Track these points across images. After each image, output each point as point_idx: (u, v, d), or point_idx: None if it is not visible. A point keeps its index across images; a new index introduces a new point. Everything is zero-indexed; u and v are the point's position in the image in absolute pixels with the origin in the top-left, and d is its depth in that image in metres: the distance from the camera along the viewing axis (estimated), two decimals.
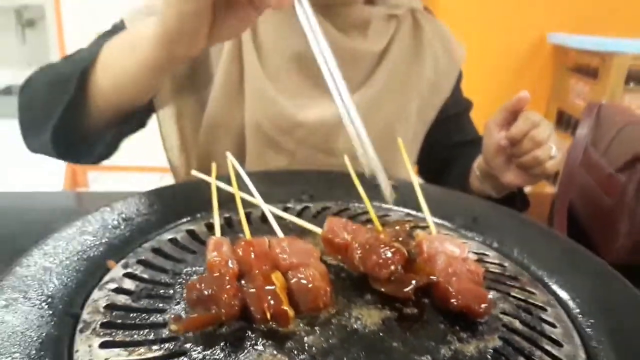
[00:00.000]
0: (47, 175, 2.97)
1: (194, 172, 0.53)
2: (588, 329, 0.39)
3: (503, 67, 2.60)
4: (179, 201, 0.54)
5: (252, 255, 0.38)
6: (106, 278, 0.41)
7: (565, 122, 2.57)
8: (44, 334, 0.34)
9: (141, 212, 0.50)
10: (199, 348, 0.33)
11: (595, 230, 0.85)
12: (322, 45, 0.50)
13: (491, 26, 2.48)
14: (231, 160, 0.54)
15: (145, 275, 0.41)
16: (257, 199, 0.48)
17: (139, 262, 0.43)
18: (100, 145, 0.70)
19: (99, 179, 3.08)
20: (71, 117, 0.62)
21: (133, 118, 0.68)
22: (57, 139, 0.63)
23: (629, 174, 0.78)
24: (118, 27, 0.78)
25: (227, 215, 0.50)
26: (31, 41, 4.38)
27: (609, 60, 2.31)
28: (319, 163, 0.78)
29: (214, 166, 0.55)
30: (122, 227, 0.47)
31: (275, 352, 0.32)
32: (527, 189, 0.89)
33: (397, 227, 0.44)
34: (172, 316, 0.35)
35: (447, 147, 0.96)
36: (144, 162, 2.54)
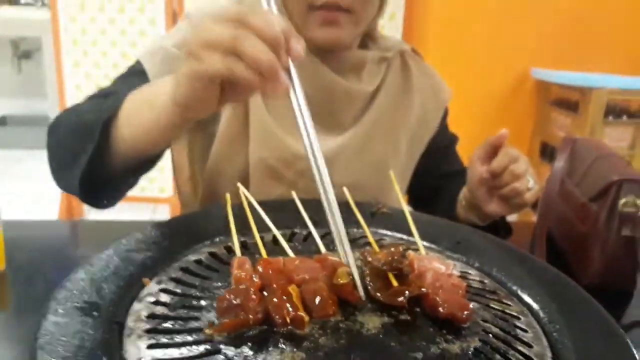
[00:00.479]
0: (43, 205, 3.01)
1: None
2: (554, 334, 0.46)
3: (488, 102, 2.69)
4: (198, 227, 0.61)
5: (271, 272, 0.45)
6: (144, 292, 0.48)
7: (548, 153, 2.66)
8: (97, 338, 0.41)
9: (167, 236, 0.57)
10: (230, 347, 0.40)
11: (571, 255, 0.91)
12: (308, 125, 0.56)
13: (477, 63, 2.57)
14: (243, 191, 0.61)
15: (177, 290, 0.48)
16: (270, 225, 0.55)
17: (171, 279, 0.50)
18: (126, 187, 0.77)
19: (92, 210, 3.12)
20: (95, 164, 0.67)
21: (153, 165, 0.73)
22: (83, 184, 0.68)
23: (601, 203, 0.85)
24: (135, 69, 0.86)
25: (242, 239, 0.57)
26: (26, 72, 4.45)
27: (589, 94, 2.41)
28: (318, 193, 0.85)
29: (228, 196, 0.62)
30: (152, 249, 0.54)
31: (294, 350, 0.39)
32: (510, 218, 0.96)
33: (392, 249, 0.51)
34: (208, 322, 0.42)
35: (435, 177, 1.03)
36: (137, 193, 2.61)
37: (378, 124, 0.91)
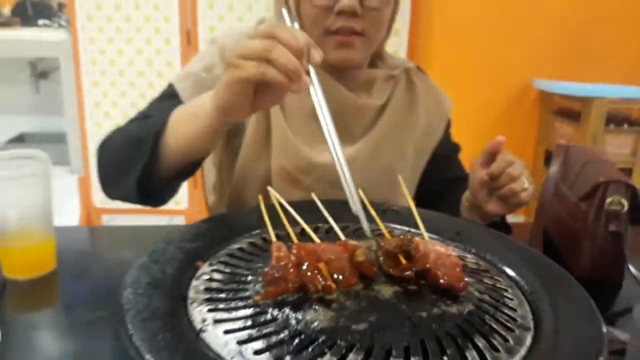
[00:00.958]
0: (62, 217, 3.12)
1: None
2: (536, 301, 0.57)
3: (493, 112, 2.78)
4: (237, 223, 0.72)
5: (303, 253, 0.56)
6: (199, 273, 0.59)
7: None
8: (166, 306, 0.52)
9: (211, 230, 0.68)
10: (274, 309, 0.51)
11: (564, 251, 1.00)
12: (326, 116, 0.68)
13: (481, 75, 2.67)
14: (273, 193, 0.72)
15: (227, 270, 0.59)
16: (298, 219, 0.66)
17: (220, 262, 0.61)
18: (172, 190, 0.88)
19: (112, 221, 3.24)
20: (148, 171, 0.77)
21: (195, 169, 0.84)
22: (140, 189, 0.79)
23: (590, 202, 0.93)
24: (168, 92, 0.96)
25: (275, 231, 0.68)
26: (44, 91, 4.58)
27: (590, 104, 2.50)
28: (333, 197, 0.96)
29: (260, 198, 0.73)
30: (200, 240, 0.66)
31: (326, 310, 0.50)
32: (510, 219, 1.05)
33: (402, 237, 0.62)
34: (254, 292, 0.53)
35: (440, 182, 1.12)
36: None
37: (386, 135, 1.01)
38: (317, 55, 0.63)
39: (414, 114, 1.06)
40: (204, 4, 2.61)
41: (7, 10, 6.16)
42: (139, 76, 2.72)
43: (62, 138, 3.99)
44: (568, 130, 2.67)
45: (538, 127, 2.87)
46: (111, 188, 0.87)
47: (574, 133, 2.61)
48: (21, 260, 0.82)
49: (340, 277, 0.53)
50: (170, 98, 0.94)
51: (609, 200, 0.89)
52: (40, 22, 4.81)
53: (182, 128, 0.76)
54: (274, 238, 0.63)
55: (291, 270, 0.52)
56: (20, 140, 4.40)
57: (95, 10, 2.61)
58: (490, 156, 0.88)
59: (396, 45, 2.63)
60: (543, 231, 1.05)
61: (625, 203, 0.90)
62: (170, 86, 0.97)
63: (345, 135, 0.97)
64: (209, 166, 1.08)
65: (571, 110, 2.66)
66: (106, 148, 0.87)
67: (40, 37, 4.30)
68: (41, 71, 4.53)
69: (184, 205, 2.92)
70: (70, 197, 3.11)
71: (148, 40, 2.68)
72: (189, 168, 0.81)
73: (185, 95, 0.93)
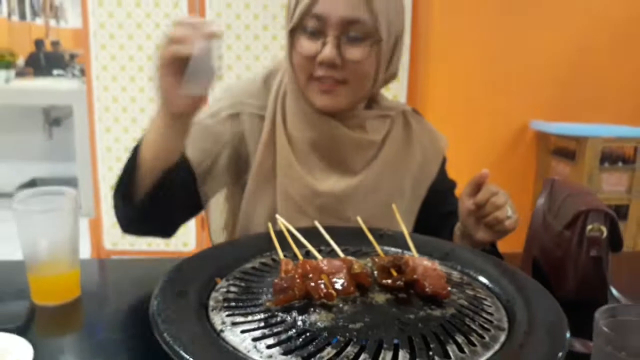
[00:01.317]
0: None
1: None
2: (512, 308, 0.66)
3: (492, 153, 2.85)
4: (250, 246, 0.81)
5: (308, 267, 0.65)
6: (217, 287, 0.68)
7: None
8: (191, 312, 0.61)
9: (227, 253, 0.78)
10: (283, 313, 0.60)
11: (552, 276, 1.06)
12: None
13: (480, 118, 2.74)
14: (282, 221, 0.81)
15: (242, 284, 0.68)
16: (305, 242, 0.75)
17: (236, 278, 0.70)
18: (168, 224, 1.00)
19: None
20: (133, 184, 0.91)
21: (172, 183, 0.93)
22: (141, 217, 0.94)
23: (572, 230, 0.99)
24: None
25: (284, 252, 0.77)
26: (57, 138, 4.74)
27: (584, 143, 2.56)
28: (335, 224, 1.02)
29: (269, 225, 0.82)
30: (218, 261, 0.75)
31: (328, 313, 0.59)
32: (504, 249, 1.13)
33: (394, 255, 0.71)
34: (266, 300, 0.62)
35: (436, 216, 1.17)
36: (162, 248, 2.82)
37: (385, 170, 1.09)
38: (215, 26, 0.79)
39: (410, 151, 1.13)
40: None
41: (21, 61, 6.40)
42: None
43: (73, 183, 4.10)
44: (565, 169, 2.74)
45: (536, 166, 2.94)
46: (126, 227, 1.00)
47: (570, 171, 2.68)
48: (49, 288, 0.90)
49: (340, 286, 0.62)
50: None
51: (589, 227, 0.96)
52: (55, 72, 5.02)
53: (148, 136, 0.90)
54: (282, 256, 0.71)
55: (297, 280, 0.61)
56: (32, 185, 4.51)
57: (110, 60, 2.76)
58: (476, 187, 0.96)
59: (396, 90, 2.76)
60: (532, 259, 1.12)
61: (605, 230, 0.97)
62: None
63: (345, 169, 1.07)
64: (214, 207, 1.18)
65: (567, 150, 2.73)
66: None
67: (54, 86, 4.48)
68: (54, 118, 4.69)
69: (191, 247, 2.99)
70: (81, 239, 3.19)
71: None
72: (166, 182, 0.92)
73: (189, 140, 1.02)
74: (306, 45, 0.96)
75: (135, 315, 0.86)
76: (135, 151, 0.91)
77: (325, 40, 0.94)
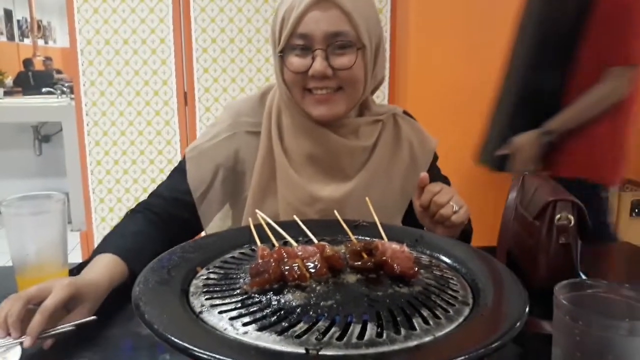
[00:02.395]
0: None
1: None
2: (477, 285, 0.69)
3: (469, 153, 2.91)
4: (230, 239, 0.85)
5: (283, 252, 0.68)
6: (198, 275, 0.71)
7: None
8: (173, 298, 0.64)
9: (208, 245, 0.81)
10: (259, 294, 0.63)
11: (525, 265, 1.11)
12: None
13: (456, 118, 2.79)
14: (260, 214, 0.85)
15: (221, 272, 0.72)
16: (283, 233, 0.79)
17: (215, 267, 0.74)
18: None
19: None
20: None
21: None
22: None
23: (542, 219, 1.04)
24: (179, 166, 1.15)
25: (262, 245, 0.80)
26: (46, 154, 4.75)
27: None
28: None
29: (250, 220, 0.86)
30: (199, 252, 0.78)
31: (301, 292, 0.63)
32: (481, 243, 1.16)
33: (365, 241, 0.75)
34: (243, 283, 0.66)
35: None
36: None
37: (377, 173, 1.15)
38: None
39: (399, 151, 1.19)
40: (199, 67, 2.81)
41: (9, 81, 6.42)
42: (139, 135, 2.88)
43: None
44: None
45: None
46: None
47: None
48: None
49: (313, 268, 0.66)
50: (179, 173, 1.14)
51: (557, 216, 1.01)
52: (44, 89, 5.05)
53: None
54: (259, 243, 0.75)
55: (273, 264, 0.64)
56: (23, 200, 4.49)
57: (97, 75, 2.80)
58: (420, 190, 1.03)
59: (377, 99, 2.81)
60: (507, 251, 1.17)
61: (572, 218, 1.01)
62: (183, 161, 1.15)
63: (341, 174, 1.13)
64: (212, 227, 1.22)
65: None
66: None
67: (44, 103, 4.52)
68: (44, 135, 4.71)
69: None
70: (73, 251, 3.24)
71: (147, 102, 2.85)
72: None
73: (189, 167, 1.12)
74: (296, 62, 1.03)
75: (124, 313, 0.89)
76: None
77: (314, 55, 1.01)
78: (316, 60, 1.01)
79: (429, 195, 0.99)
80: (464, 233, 1.11)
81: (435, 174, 1.23)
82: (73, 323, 0.80)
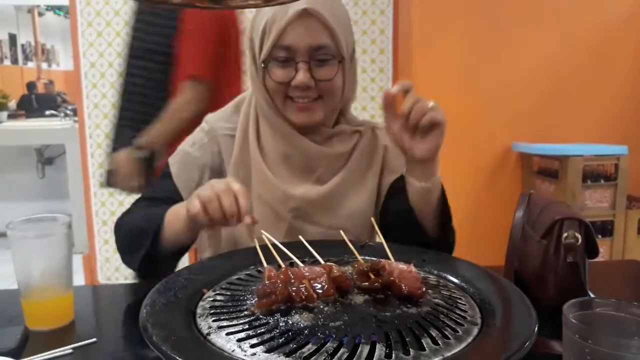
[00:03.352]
0: None
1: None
2: (485, 306, 0.69)
3: (477, 176, 2.89)
4: (236, 260, 0.85)
5: (290, 273, 0.68)
6: (205, 296, 0.71)
7: None
8: (180, 319, 0.64)
9: (214, 266, 0.81)
10: (267, 316, 0.63)
11: (533, 285, 1.11)
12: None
13: (462, 142, 2.80)
14: (266, 236, 0.85)
15: (228, 293, 0.72)
16: (288, 252, 0.78)
17: (222, 288, 0.74)
18: (171, 266, 1.09)
19: None
20: (149, 256, 1.02)
21: (188, 250, 1.08)
22: (143, 268, 1.05)
23: (549, 238, 1.04)
24: (165, 171, 1.17)
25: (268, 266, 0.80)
26: (49, 176, 4.77)
27: (566, 162, 2.62)
28: (310, 232, 1.09)
29: (256, 240, 0.86)
30: (206, 274, 0.78)
31: (309, 313, 0.62)
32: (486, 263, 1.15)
33: (372, 261, 0.74)
34: (250, 305, 0.65)
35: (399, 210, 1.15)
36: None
37: (351, 179, 1.16)
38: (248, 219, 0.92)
39: (375, 157, 1.20)
40: None
41: (12, 104, 6.46)
42: None
43: None
44: (549, 188, 2.78)
45: (522, 187, 2.99)
46: (125, 261, 1.11)
47: (555, 189, 2.73)
48: (43, 312, 0.92)
49: (320, 289, 0.65)
50: (165, 177, 1.17)
51: (565, 235, 1.00)
52: (47, 112, 5.08)
53: (171, 224, 1.01)
54: (265, 264, 0.75)
55: (280, 285, 0.64)
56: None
57: (101, 98, 2.82)
58: (391, 109, 1.00)
59: (379, 116, 2.81)
60: (514, 271, 1.16)
61: (579, 237, 1.01)
62: (167, 166, 1.18)
63: (316, 178, 1.14)
64: None
65: (550, 169, 2.79)
66: (118, 231, 1.12)
67: (46, 126, 4.54)
68: (47, 157, 4.74)
69: None
70: (76, 273, 3.20)
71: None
72: (182, 250, 1.07)
73: (174, 169, 1.15)
74: (279, 73, 1.07)
75: (129, 336, 0.89)
76: (155, 232, 1.02)
77: (297, 66, 1.05)
78: (299, 72, 1.04)
79: (412, 100, 0.97)
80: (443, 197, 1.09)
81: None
82: (71, 346, 0.80)
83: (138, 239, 1.03)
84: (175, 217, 1.01)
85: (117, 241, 1.12)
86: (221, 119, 1.20)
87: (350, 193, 1.16)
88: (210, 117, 1.22)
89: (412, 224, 1.07)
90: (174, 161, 1.16)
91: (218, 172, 1.16)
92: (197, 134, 1.19)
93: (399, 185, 1.19)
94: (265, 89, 1.10)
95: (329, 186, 1.13)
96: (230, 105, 1.22)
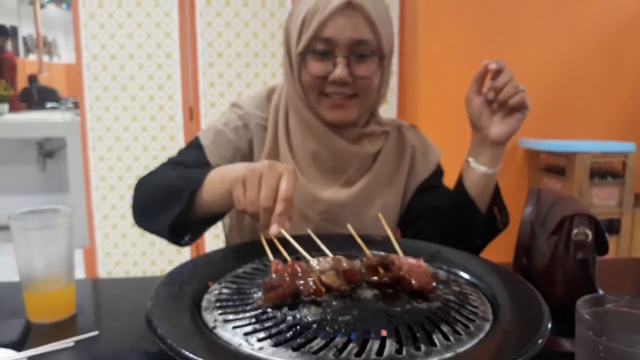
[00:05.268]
0: None
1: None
2: (497, 301, 0.68)
3: None
4: (240, 254, 0.83)
5: (297, 266, 0.67)
6: (210, 289, 0.70)
7: None
8: (185, 313, 0.62)
9: (221, 259, 0.80)
10: (274, 310, 0.61)
11: (542, 282, 1.09)
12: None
13: (469, 136, 2.79)
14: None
15: (234, 286, 0.70)
16: (295, 245, 0.77)
17: (228, 281, 0.72)
18: (200, 233, 1.01)
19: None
20: (182, 218, 0.91)
21: (223, 216, 0.99)
22: (172, 230, 0.93)
23: (559, 235, 1.02)
24: (194, 144, 1.12)
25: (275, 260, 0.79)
26: (50, 169, 4.76)
27: (573, 159, 2.61)
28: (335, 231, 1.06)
29: (262, 235, 0.85)
30: (212, 267, 0.77)
31: (317, 308, 0.61)
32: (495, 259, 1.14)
33: (381, 255, 0.73)
34: (256, 299, 0.64)
35: (423, 210, 1.17)
36: (153, 274, 2.82)
37: (379, 181, 1.14)
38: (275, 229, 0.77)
39: (403, 159, 1.18)
40: (205, 82, 2.81)
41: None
42: (143, 150, 2.87)
43: None
44: (556, 185, 2.77)
45: (528, 183, 2.98)
46: (144, 222, 1.01)
47: (562, 187, 2.71)
48: (45, 305, 0.91)
49: (329, 282, 0.64)
50: (195, 148, 1.11)
51: (575, 231, 0.99)
52: (48, 104, 5.06)
53: (213, 186, 0.90)
54: (271, 257, 0.74)
55: (287, 278, 0.63)
56: None
57: (102, 91, 2.80)
58: (481, 81, 0.99)
59: (385, 112, 2.80)
60: (523, 268, 1.15)
61: (590, 233, 1.00)
62: (197, 139, 1.13)
63: (343, 179, 1.12)
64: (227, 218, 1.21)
65: (557, 166, 2.77)
66: (144, 188, 1.02)
67: (47, 119, 4.53)
68: (48, 150, 4.72)
69: None
70: (76, 267, 3.19)
71: (152, 117, 2.85)
72: (217, 216, 0.97)
73: (206, 142, 1.10)
74: (316, 66, 1.02)
75: (131, 330, 0.87)
76: (192, 192, 0.93)
77: (335, 60, 1.01)
78: (338, 67, 1.00)
79: (508, 77, 0.95)
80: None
81: (436, 185, 1.21)
82: (73, 339, 0.79)
83: (171, 197, 0.93)
84: (219, 177, 0.90)
85: (139, 200, 1.02)
86: (254, 106, 1.16)
87: (378, 195, 1.14)
88: (243, 102, 1.17)
89: (464, 212, 1.05)
90: (207, 136, 1.11)
91: (248, 160, 1.13)
92: (230, 115, 1.15)
93: (426, 185, 1.19)
94: (299, 84, 1.07)
95: (357, 188, 1.11)
96: (263, 93, 1.18)
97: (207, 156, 1.08)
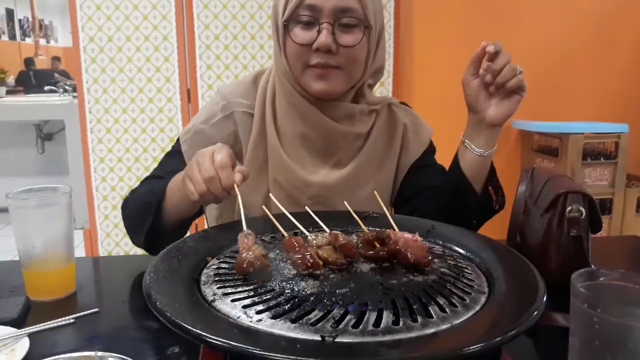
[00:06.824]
0: None
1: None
2: (492, 274, 0.68)
3: None
4: (239, 230, 0.83)
5: (294, 241, 0.68)
6: (209, 265, 0.70)
7: None
8: (186, 286, 0.63)
9: (219, 235, 0.80)
10: (272, 283, 0.62)
11: (536, 260, 1.10)
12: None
13: (462, 117, 2.80)
14: (274, 201, 0.84)
15: (232, 261, 0.71)
16: (294, 220, 0.78)
17: (226, 256, 0.73)
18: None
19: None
20: (153, 231, 0.99)
21: (191, 222, 1.07)
22: (147, 243, 1.02)
23: (553, 212, 1.03)
24: (174, 149, 1.14)
25: (271, 235, 0.79)
26: (49, 152, 4.75)
27: (566, 140, 2.62)
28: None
29: (264, 208, 0.85)
30: (210, 242, 0.77)
31: (314, 281, 0.62)
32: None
33: (377, 230, 0.74)
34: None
35: (418, 189, 1.17)
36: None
37: (370, 161, 1.13)
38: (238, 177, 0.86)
39: (394, 137, 1.17)
40: (202, 64, 2.80)
41: (11, 80, 6.43)
42: (142, 132, 2.87)
43: None
44: (549, 166, 2.78)
45: (521, 165, 2.99)
46: (136, 241, 1.07)
47: (554, 168, 2.73)
48: (45, 283, 0.92)
49: (326, 256, 0.65)
50: (175, 154, 1.13)
51: (569, 208, 1.00)
52: (46, 87, 5.05)
53: (171, 196, 0.99)
54: (244, 227, 0.75)
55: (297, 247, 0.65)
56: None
57: (100, 73, 2.79)
58: (478, 63, 0.99)
59: (381, 93, 2.80)
60: (516, 245, 1.15)
61: (583, 210, 1.01)
62: (177, 142, 1.14)
63: (333, 160, 1.11)
64: (209, 209, 1.22)
65: (550, 147, 2.78)
66: (126, 207, 1.09)
67: (45, 102, 4.52)
68: (46, 133, 4.71)
69: None
70: (76, 249, 3.21)
71: (150, 99, 2.84)
72: (185, 222, 1.05)
73: (185, 147, 1.11)
74: (301, 34, 1.01)
75: (131, 307, 0.89)
76: (157, 206, 1.00)
77: (320, 28, 0.99)
78: (322, 34, 0.99)
79: (506, 59, 0.95)
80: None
81: (429, 164, 1.21)
82: (73, 316, 0.80)
83: (143, 214, 1.00)
84: (175, 186, 0.97)
85: (125, 221, 1.09)
86: (238, 94, 1.14)
87: (370, 177, 1.13)
88: (226, 90, 1.15)
89: (460, 193, 1.05)
90: (186, 138, 1.11)
91: (233, 151, 1.10)
92: (212, 108, 1.13)
93: (419, 163, 1.18)
94: (285, 56, 1.05)
95: (348, 171, 1.10)
96: (248, 78, 1.17)
97: (185, 162, 1.07)
